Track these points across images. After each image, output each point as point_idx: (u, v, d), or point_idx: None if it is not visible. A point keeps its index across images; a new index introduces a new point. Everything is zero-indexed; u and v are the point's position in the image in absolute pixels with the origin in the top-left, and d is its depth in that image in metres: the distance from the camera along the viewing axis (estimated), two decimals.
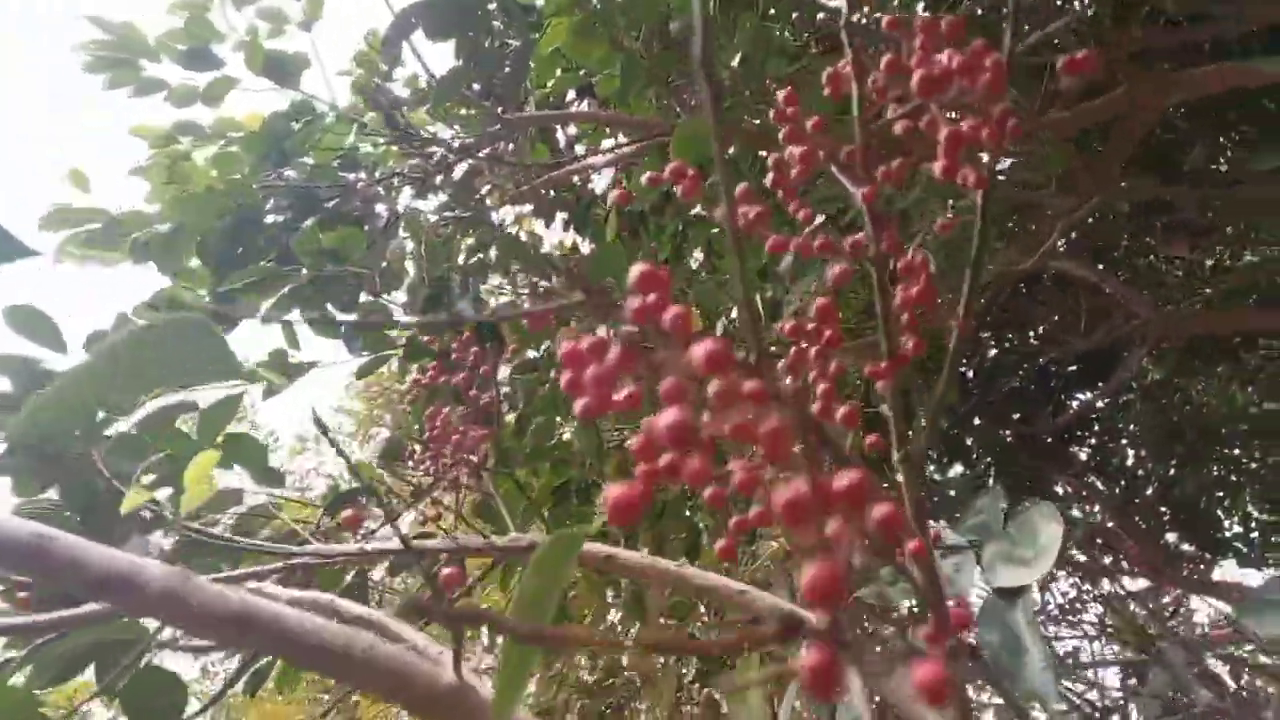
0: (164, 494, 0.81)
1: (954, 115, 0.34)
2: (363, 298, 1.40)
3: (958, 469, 4.72)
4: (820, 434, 0.33)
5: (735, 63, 1.06)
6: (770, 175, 0.42)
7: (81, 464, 0.91)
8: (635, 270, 0.23)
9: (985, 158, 0.32)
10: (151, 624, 0.92)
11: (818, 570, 0.16)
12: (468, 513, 0.92)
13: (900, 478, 0.41)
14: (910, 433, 0.43)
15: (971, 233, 0.41)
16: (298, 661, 0.38)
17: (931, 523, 0.75)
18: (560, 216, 2.91)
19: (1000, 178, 1.88)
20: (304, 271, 1.33)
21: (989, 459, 4.69)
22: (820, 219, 0.41)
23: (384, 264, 1.73)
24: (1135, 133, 1.54)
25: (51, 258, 1.68)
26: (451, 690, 0.39)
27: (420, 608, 0.49)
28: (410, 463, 0.88)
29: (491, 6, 1.21)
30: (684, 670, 2.86)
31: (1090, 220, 3.04)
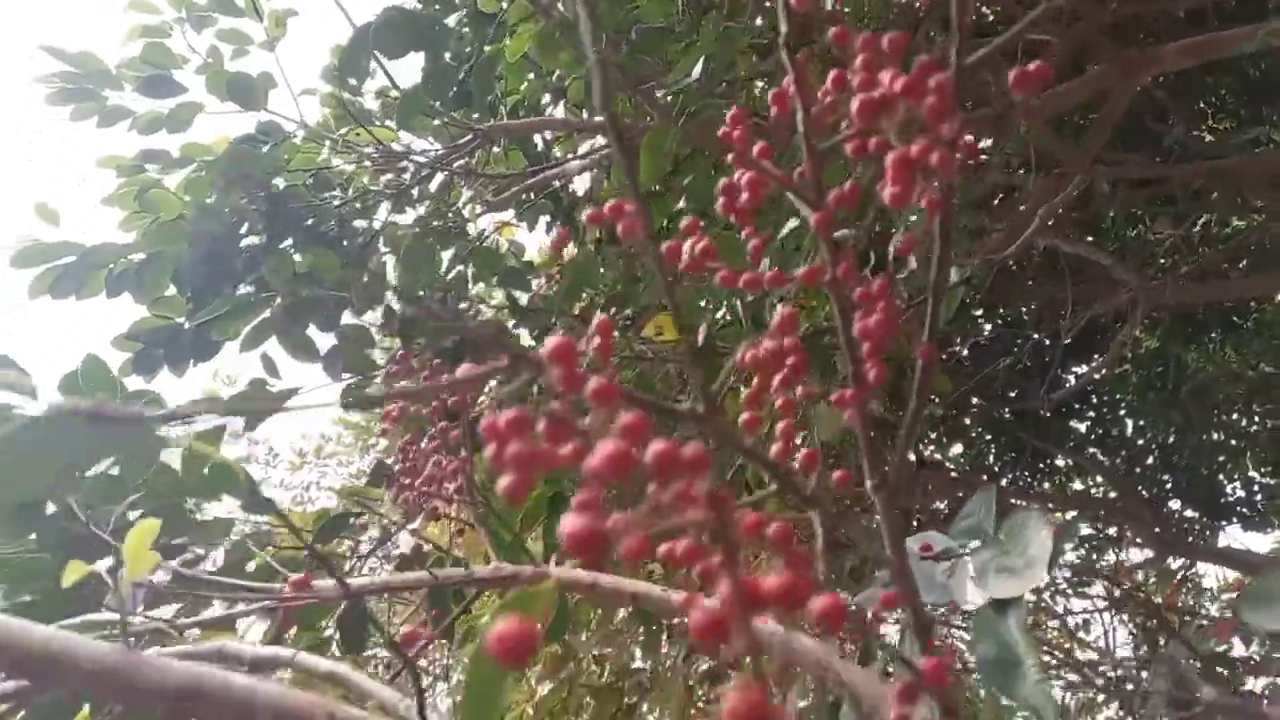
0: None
1: (906, 135, 0.32)
2: (344, 319, 1.38)
3: (958, 449, 4.71)
4: (781, 477, 0.32)
5: (697, 70, 1.04)
6: (720, 200, 0.40)
7: (58, 511, 0.89)
8: (548, 344, 0.22)
9: (939, 179, 0.30)
10: None
11: (739, 699, 0.15)
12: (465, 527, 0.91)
13: (878, 506, 0.39)
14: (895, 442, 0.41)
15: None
16: None
17: (919, 533, 0.73)
18: (543, 219, 2.90)
19: (983, 158, 1.86)
20: (278, 300, 1.31)
21: (989, 437, 4.68)
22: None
23: (364, 280, 1.71)
24: (1116, 114, 1.52)
25: (26, 294, 1.66)
26: None
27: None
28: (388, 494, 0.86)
29: (451, 21, 1.19)
30: (692, 671, 2.85)
31: (1076, 194, 3.02)
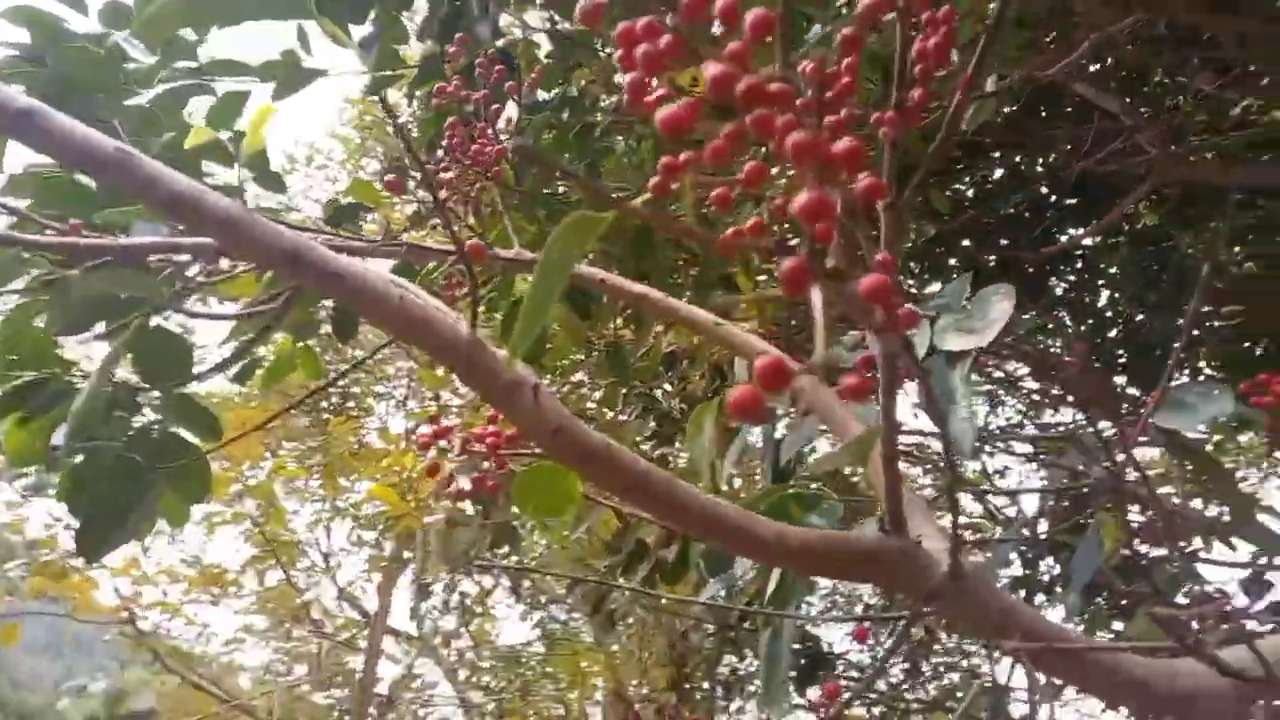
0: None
1: None
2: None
3: (935, 287, 4.82)
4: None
5: None
6: None
7: (104, 129, 0.93)
8: None
9: None
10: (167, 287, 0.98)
11: (810, 197, 0.21)
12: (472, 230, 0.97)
13: (883, 224, 0.46)
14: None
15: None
16: (340, 298, 0.44)
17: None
18: None
19: None
20: None
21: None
22: None
23: None
24: None
25: None
26: (470, 342, 0.45)
27: (462, 251, 0.55)
28: (415, 178, 0.91)
29: None
30: (641, 432, 3.05)
31: (1128, 47, 2.94)
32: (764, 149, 0.34)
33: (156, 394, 1.04)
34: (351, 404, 6.05)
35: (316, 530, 6.39)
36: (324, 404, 5.31)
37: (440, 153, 0.78)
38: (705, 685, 3.55)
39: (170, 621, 5.34)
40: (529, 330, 0.36)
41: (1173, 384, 0.72)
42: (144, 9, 0.82)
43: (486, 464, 0.53)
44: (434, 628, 5.72)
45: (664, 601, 2.65)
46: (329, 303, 1.70)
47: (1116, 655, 0.53)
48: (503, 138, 0.86)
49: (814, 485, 0.79)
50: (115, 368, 0.82)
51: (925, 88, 0.40)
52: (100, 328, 1.08)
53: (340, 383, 5.84)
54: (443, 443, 0.54)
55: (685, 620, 3.11)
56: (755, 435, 1.11)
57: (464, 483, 0.52)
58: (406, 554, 4.78)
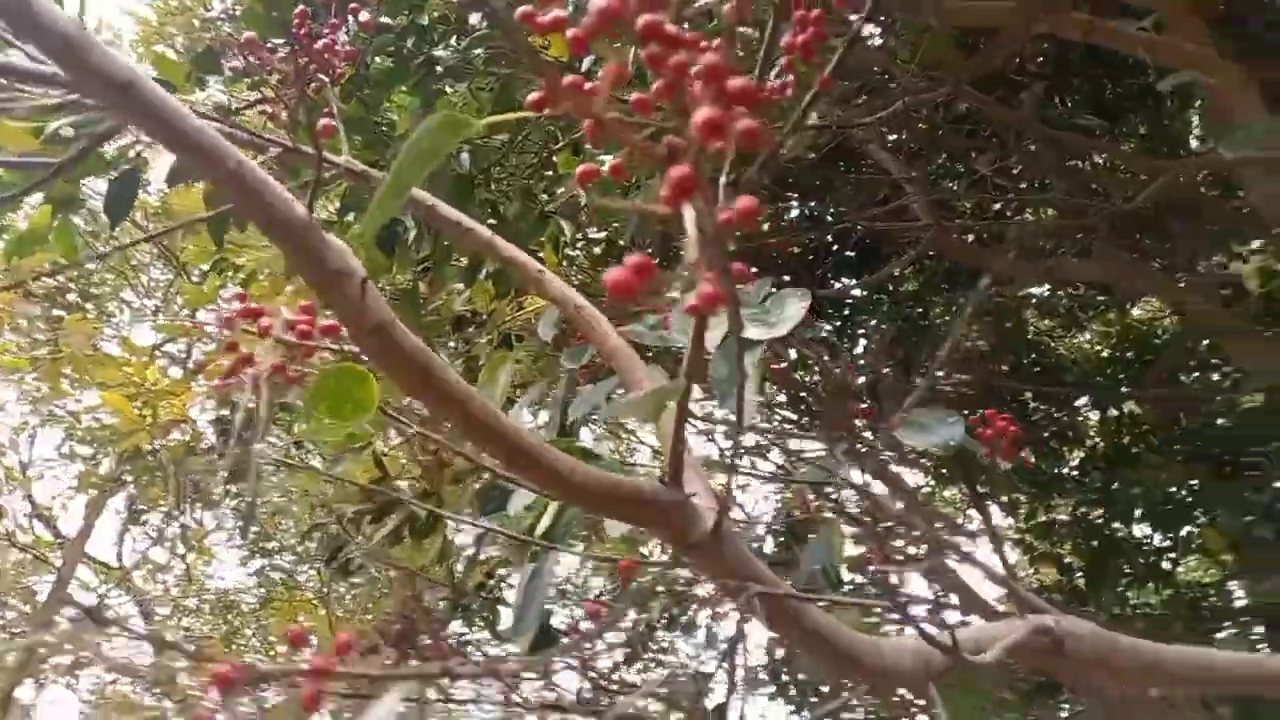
0: None
1: None
2: None
3: None
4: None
5: None
6: None
7: None
8: None
9: None
10: None
11: (713, 112, 0.24)
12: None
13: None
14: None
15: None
16: (171, 145, 0.42)
17: None
18: None
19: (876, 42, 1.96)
20: None
21: None
22: None
23: None
24: (1009, 50, 1.67)
25: None
26: (306, 222, 0.44)
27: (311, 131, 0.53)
28: (240, 67, 0.86)
29: None
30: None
31: (922, 126, 3.27)
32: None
33: None
34: (91, 306, 5.46)
35: (21, 436, 5.72)
36: (59, 299, 4.76)
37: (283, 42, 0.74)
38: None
39: None
40: (386, 209, 0.36)
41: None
42: None
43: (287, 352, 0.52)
44: (140, 559, 5.28)
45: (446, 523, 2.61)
46: (101, 182, 1.55)
47: (836, 625, 0.60)
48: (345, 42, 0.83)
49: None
50: None
51: (793, 73, 0.44)
52: None
53: (82, 281, 5.26)
54: (247, 323, 0.52)
55: (421, 582, 3.08)
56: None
57: (263, 367, 0.50)
58: (126, 476, 4.37)
